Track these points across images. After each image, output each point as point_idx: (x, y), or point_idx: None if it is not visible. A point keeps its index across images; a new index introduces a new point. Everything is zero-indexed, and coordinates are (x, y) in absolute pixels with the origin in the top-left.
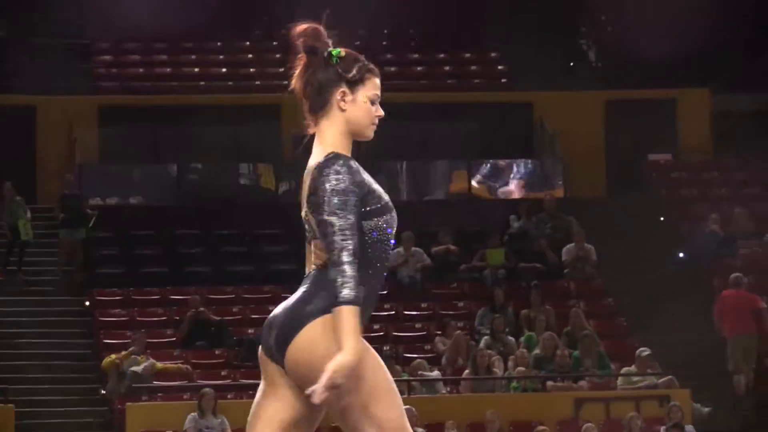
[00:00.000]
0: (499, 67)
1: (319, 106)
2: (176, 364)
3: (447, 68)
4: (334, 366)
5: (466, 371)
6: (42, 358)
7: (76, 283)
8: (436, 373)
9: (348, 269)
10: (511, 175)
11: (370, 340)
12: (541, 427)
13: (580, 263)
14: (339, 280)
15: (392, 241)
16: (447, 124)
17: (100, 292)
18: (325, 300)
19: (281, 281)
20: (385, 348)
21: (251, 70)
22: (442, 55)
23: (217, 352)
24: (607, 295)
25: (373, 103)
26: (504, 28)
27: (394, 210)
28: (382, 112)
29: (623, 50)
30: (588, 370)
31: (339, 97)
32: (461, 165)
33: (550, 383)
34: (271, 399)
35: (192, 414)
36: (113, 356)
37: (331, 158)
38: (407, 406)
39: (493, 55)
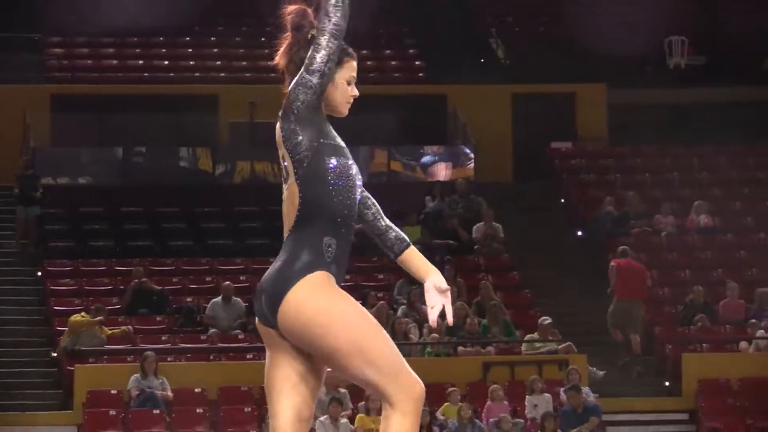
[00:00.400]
0: (417, 63)
1: None
2: (121, 329)
3: (369, 63)
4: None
5: None
6: None
7: (29, 255)
8: None
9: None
10: (427, 160)
11: None
12: (452, 388)
13: (488, 240)
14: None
15: (356, 193)
16: (369, 115)
17: (51, 263)
18: (305, 260)
19: (217, 254)
20: None
21: (191, 63)
22: (364, 52)
23: (158, 318)
24: (512, 269)
25: (349, 83)
26: (421, 28)
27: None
28: (356, 92)
29: (528, 49)
30: (495, 336)
31: None
32: (382, 150)
33: (460, 348)
34: (276, 367)
35: (135, 375)
36: (85, 316)
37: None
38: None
39: (411, 51)
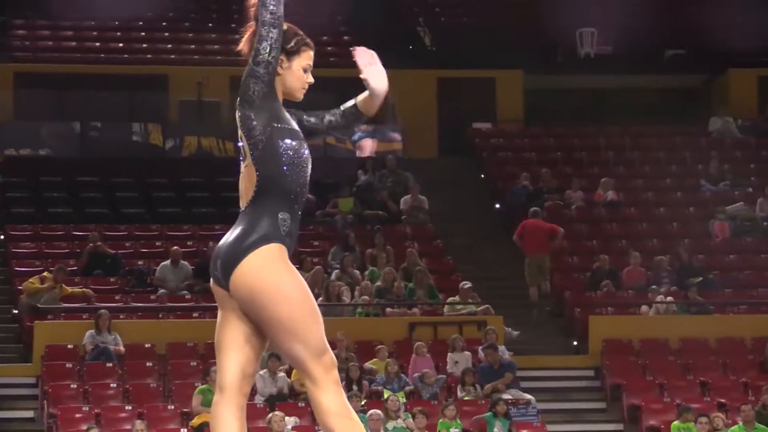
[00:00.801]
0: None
1: None
2: (81, 289)
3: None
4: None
5: (320, 299)
6: None
7: None
8: None
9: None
10: (358, 137)
11: None
12: (380, 346)
13: (415, 211)
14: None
15: (308, 172)
16: (309, 96)
17: (12, 227)
18: (261, 233)
19: (166, 221)
20: None
21: (144, 45)
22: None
23: (111, 279)
24: (437, 238)
25: (305, 71)
26: (354, 17)
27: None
28: (312, 80)
29: (453, 37)
30: (420, 299)
31: (277, 63)
32: None
33: (388, 309)
34: (225, 327)
35: (90, 331)
36: (47, 276)
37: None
38: None
39: (345, 38)
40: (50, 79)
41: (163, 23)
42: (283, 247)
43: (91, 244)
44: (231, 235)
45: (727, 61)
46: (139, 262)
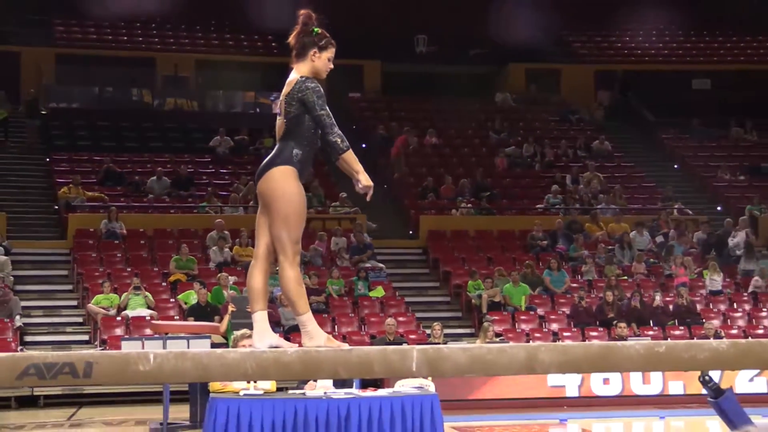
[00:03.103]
0: (269, 37)
1: (301, 55)
2: (97, 194)
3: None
4: (365, 179)
5: (252, 202)
6: None
7: (39, 148)
8: None
9: (338, 138)
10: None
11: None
12: None
13: None
14: (337, 142)
15: (319, 133)
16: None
17: (54, 154)
18: (283, 158)
19: (154, 151)
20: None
21: (140, 38)
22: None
23: (118, 188)
24: (325, 165)
25: (329, 60)
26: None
27: None
28: (332, 66)
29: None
30: (314, 206)
31: (312, 53)
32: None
33: None
34: (259, 217)
35: (104, 220)
36: (72, 188)
37: (308, 78)
38: None
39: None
40: (78, 58)
41: (152, 24)
42: (294, 169)
43: (105, 165)
44: (266, 158)
45: (508, 58)
46: (136, 177)
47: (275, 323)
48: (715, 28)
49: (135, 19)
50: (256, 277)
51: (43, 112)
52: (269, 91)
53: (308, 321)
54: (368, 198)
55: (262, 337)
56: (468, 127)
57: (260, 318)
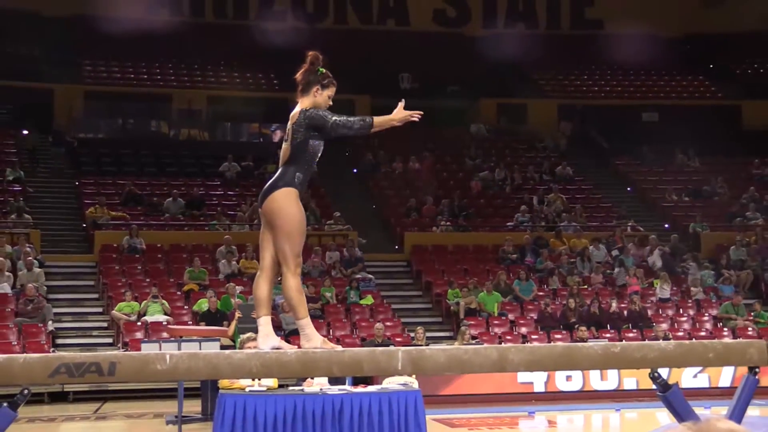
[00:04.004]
0: (271, 75)
1: (305, 91)
2: (120, 213)
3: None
4: (401, 115)
5: (256, 221)
6: None
7: (71, 173)
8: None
9: (358, 123)
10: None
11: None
12: None
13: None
14: (362, 125)
15: (318, 156)
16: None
17: (82, 179)
18: (285, 180)
19: (170, 176)
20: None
21: (158, 76)
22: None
23: (138, 208)
24: (321, 188)
25: (329, 97)
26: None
27: None
28: (331, 103)
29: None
30: (311, 223)
31: (314, 90)
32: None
33: None
34: (263, 233)
35: (126, 237)
36: (98, 209)
37: (312, 109)
38: None
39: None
40: (104, 94)
41: (169, 65)
42: (296, 191)
43: (127, 188)
44: (270, 180)
45: (481, 94)
46: (154, 198)
47: (277, 327)
48: (661, 68)
49: (153, 59)
50: (262, 287)
51: (72, 141)
52: (271, 123)
53: (307, 325)
54: (413, 116)
55: (266, 340)
56: (446, 154)
57: (264, 322)
